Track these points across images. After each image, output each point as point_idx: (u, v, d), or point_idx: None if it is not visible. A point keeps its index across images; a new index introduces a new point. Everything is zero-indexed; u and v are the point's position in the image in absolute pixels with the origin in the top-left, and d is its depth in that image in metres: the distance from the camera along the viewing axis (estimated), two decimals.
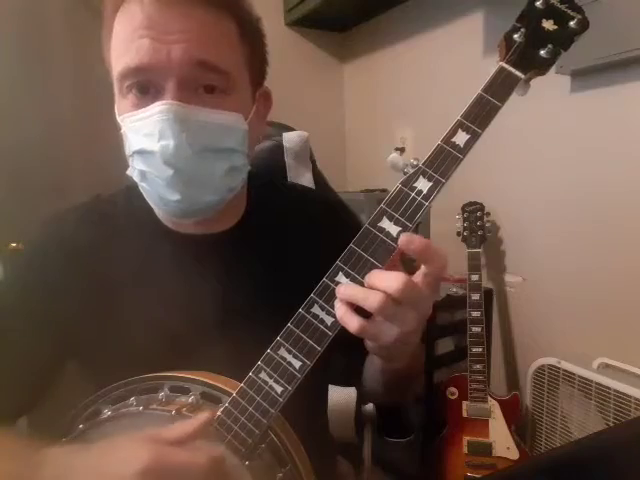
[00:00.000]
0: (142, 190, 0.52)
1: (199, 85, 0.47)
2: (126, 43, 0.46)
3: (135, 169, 0.50)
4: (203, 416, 0.41)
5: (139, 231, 0.56)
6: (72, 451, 0.42)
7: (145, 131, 0.46)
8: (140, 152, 0.48)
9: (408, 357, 0.48)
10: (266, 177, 0.64)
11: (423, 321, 0.42)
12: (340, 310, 0.40)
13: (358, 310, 0.40)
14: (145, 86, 0.47)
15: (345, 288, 0.40)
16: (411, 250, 0.39)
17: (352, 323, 0.39)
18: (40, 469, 0.41)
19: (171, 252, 0.55)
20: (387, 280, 0.38)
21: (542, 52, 0.41)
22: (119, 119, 0.50)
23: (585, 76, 1.16)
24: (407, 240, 0.39)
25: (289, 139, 0.83)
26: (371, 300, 0.38)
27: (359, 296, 0.39)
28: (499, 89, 0.40)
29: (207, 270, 0.54)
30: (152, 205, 0.54)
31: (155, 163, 0.47)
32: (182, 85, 0.46)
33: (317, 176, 0.87)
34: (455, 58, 1.48)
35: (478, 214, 1.33)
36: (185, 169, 0.47)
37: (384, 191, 1.55)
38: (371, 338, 0.42)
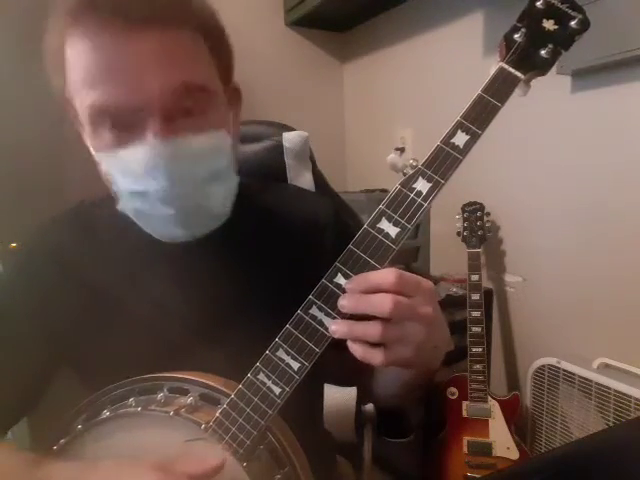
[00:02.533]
0: (138, 222, 0.50)
1: (180, 110, 0.44)
2: (92, 73, 0.42)
3: (127, 206, 0.47)
4: (214, 461, 0.39)
5: (127, 237, 0.55)
6: (76, 470, 0.42)
7: (132, 172, 0.44)
8: (132, 193, 0.45)
9: (441, 359, 0.47)
10: (261, 178, 0.64)
11: (435, 326, 0.41)
12: (359, 350, 0.39)
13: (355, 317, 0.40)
14: (122, 122, 0.43)
15: (343, 327, 0.39)
16: (347, 311, 0.39)
17: (375, 358, 0.39)
18: None
19: (160, 257, 0.54)
20: (376, 306, 0.38)
21: (542, 52, 0.40)
22: (95, 155, 0.46)
23: (585, 76, 1.15)
24: (341, 304, 0.39)
25: (289, 139, 0.83)
26: (371, 332, 0.38)
27: (359, 333, 0.39)
28: (499, 89, 0.40)
29: (198, 273, 0.54)
30: (146, 230, 0.51)
31: (151, 203, 0.45)
32: (163, 116, 0.42)
33: (317, 176, 0.87)
34: (455, 58, 1.48)
35: (478, 214, 1.33)
36: (185, 205, 0.46)
37: (384, 191, 1.55)
38: (393, 363, 0.40)
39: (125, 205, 0.48)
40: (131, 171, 0.44)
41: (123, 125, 0.43)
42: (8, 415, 0.54)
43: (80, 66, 0.42)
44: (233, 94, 0.53)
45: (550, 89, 1.19)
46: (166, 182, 0.43)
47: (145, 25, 0.41)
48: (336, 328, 0.39)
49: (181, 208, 0.46)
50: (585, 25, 0.40)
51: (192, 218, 0.47)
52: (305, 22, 1.77)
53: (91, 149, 0.47)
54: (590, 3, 1.02)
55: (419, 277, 0.40)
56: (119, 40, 0.41)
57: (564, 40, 0.40)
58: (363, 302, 0.39)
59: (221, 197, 0.49)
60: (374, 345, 0.39)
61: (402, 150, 1.64)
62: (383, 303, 0.38)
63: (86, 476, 0.40)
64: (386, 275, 0.38)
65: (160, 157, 0.42)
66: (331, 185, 0.90)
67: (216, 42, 0.47)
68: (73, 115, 0.48)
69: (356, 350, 0.39)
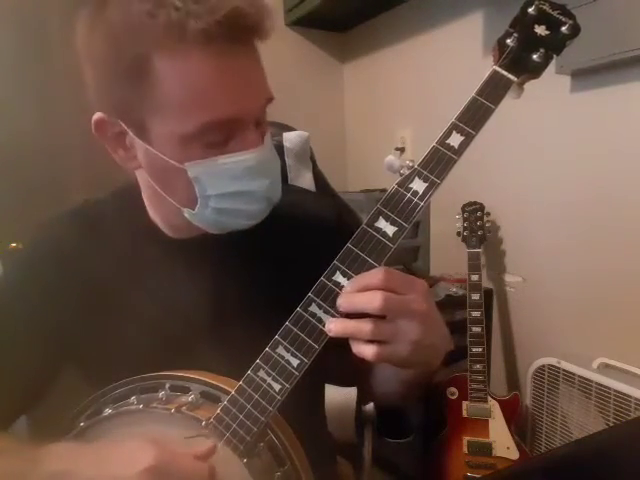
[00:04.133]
0: (209, 222, 0.51)
1: (260, 120, 0.49)
2: (200, 95, 0.43)
3: (210, 208, 0.49)
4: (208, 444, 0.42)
5: (132, 235, 0.56)
6: (74, 448, 0.43)
7: (234, 175, 0.47)
8: (226, 194, 0.48)
9: (441, 359, 0.48)
10: None
11: (430, 324, 0.42)
12: (353, 345, 0.41)
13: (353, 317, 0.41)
14: (225, 134, 0.46)
15: (338, 325, 0.41)
16: (343, 310, 0.41)
17: (368, 352, 0.40)
18: (41, 465, 0.41)
19: (165, 255, 0.55)
20: (366, 302, 0.40)
21: (534, 56, 0.41)
22: (182, 166, 0.46)
23: (585, 76, 1.16)
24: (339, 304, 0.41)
25: (289, 139, 0.84)
26: (365, 330, 0.40)
27: (354, 331, 0.40)
28: (492, 92, 0.41)
29: (202, 271, 0.55)
30: (206, 228, 0.52)
31: (247, 201, 0.49)
32: (255, 125, 0.48)
33: (317, 176, 0.87)
34: (455, 58, 1.48)
35: (478, 214, 1.33)
36: (274, 197, 0.51)
37: (384, 191, 1.54)
38: (389, 360, 0.42)
39: (206, 207, 0.49)
40: (232, 173, 0.47)
41: (223, 136, 0.46)
42: (9, 411, 0.55)
43: (189, 82, 0.43)
44: None
45: (550, 89, 1.19)
46: (268, 180, 0.49)
47: (247, 43, 0.45)
48: (331, 327, 0.41)
49: (270, 200, 0.51)
50: (576, 30, 0.41)
51: (267, 211, 0.52)
52: (305, 22, 1.78)
53: (167, 159, 0.47)
54: (589, 3, 1.02)
55: (412, 276, 0.42)
56: (232, 58, 0.44)
57: (555, 45, 0.42)
58: (355, 300, 0.40)
59: (281, 189, 0.53)
60: (370, 342, 0.40)
61: (402, 150, 1.65)
62: (373, 299, 0.39)
63: (84, 451, 0.41)
64: (375, 273, 0.40)
65: (262, 159, 0.48)
66: (331, 185, 0.91)
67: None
68: (102, 127, 0.48)
69: (352, 344, 0.41)
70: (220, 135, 0.46)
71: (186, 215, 0.50)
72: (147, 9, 0.41)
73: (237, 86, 0.44)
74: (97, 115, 0.48)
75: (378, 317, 0.40)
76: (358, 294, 0.40)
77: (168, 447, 0.40)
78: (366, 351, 0.40)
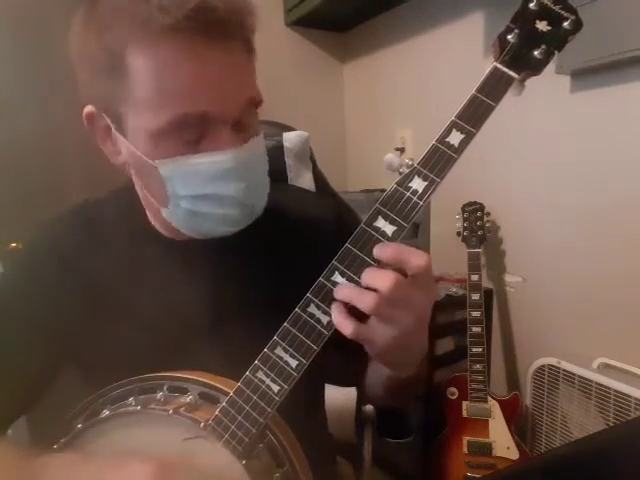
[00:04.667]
0: (184, 223, 0.50)
1: (242, 121, 0.47)
2: (171, 89, 0.42)
3: (182, 209, 0.48)
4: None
5: (131, 235, 0.56)
6: (73, 462, 0.42)
7: (207, 176, 0.45)
8: (199, 196, 0.46)
9: (414, 366, 0.48)
10: None
11: (421, 324, 0.42)
12: (335, 315, 0.40)
13: (356, 312, 0.40)
14: (197, 132, 0.45)
15: (342, 289, 0.41)
16: (385, 258, 0.40)
17: (346, 327, 0.40)
18: (39, 476, 0.41)
19: (164, 255, 0.55)
20: (379, 279, 0.39)
21: (536, 53, 0.41)
22: (154, 163, 0.46)
23: (585, 76, 1.15)
24: (379, 251, 0.40)
25: (289, 139, 0.83)
26: (365, 301, 0.39)
27: (354, 296, 0.40)
28: (493, 89, 0.40)
29: (201, 272, 0.54)
30: (182, 230, 0.51)
31: (221, 204, 0.47)
32: (232, 126, 0.45)
33: (317, 176, 0.87)
34: (455, 58, 1.48)
35: (478, 214, 1.33)
36: (253, 204, 0.49)
37: (384, 191, 1.54)
38: (366, 341, 0.42)
39: (177, 208, 0.48)
40: (205, 175, 0.45)
41: (196, 134, 0.45)
42: (9, 412, 0.55)
43: (160, 75, 0.42)
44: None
45: (549, 89, 1.19)
46: (244, 184, 0.46)
47: (221, 38, 0.43)
48: (338, 289, 0.41)
49: (248, 207, 0.48)
50: (578, 26, 0.40)
51: (251, 216, 0.50)
52: (305, 22, 1.77)
53: (140, 155, 0.46)
54: (589, 3, 1.02)
55: (414, 291, 0.40)
56: (201, 51, 0.42)
57: (557, 41, 0.41)
58: (353, 292, 0.40)
59: (267, 197, 0.51)
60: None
61: (402, 150, 1.65)
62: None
63: (83, 466, 0.41)
64: (387, 279, 0.39)
65: (239, 162, 0.45)
66: (331, 185, 0.90)
67: (252, 47, 0.49)
68: (92, 120, 0.49)
69: (333, 312, 0.41)
70: (192, 132, 0.44)
71: (164, 215, 0.50)
72: (123, 3, 0.42)
73: (208, 81, 0.43)
74: (87, 108, 0.48)
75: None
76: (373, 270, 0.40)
77: (169, 467, 0.39)
78: (346, 325, 0.40)
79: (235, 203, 0.47)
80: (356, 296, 0.39)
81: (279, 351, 0.42)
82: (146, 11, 0.40)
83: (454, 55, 1.48)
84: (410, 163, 0.41)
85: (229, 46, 0.44)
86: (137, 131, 0.45)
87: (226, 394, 0.44)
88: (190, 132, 0.44)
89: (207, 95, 0.43)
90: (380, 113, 1.83)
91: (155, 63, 0.42)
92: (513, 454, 1.21)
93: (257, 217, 0.51)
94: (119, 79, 0.43)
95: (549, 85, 1.17)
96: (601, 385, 1.09)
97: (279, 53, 1.78)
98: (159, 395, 0.45)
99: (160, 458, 0.40)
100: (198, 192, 0.46)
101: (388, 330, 0.40)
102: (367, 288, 0.40)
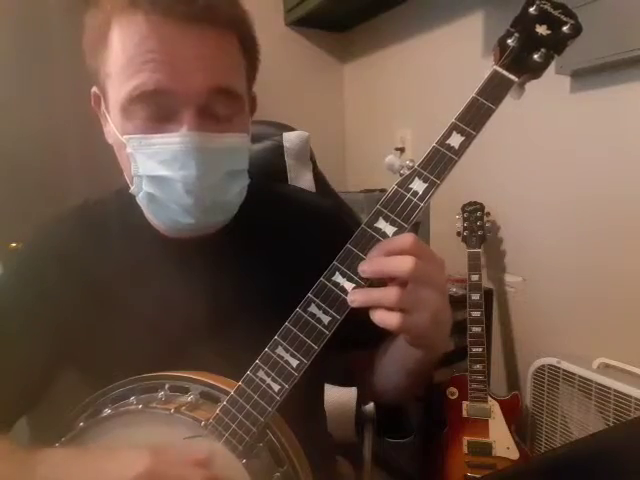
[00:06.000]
0: (146, 209, 0.51)
1: (210, 112, 0.46)
2: (135, 62, 0.43)
3: (143, 190, 0.48)
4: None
5: (131, 235, 0.56)
6: (70, 454, 0.43)
7: (162, 158, 0.45)
8: (154, 178, 0.47)
9: (447, 342, 0.48)
10: (262, 177, 0.65)
11: (446, 298, 0.42)
12: (377, 313, 0.40)
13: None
14: (158, 110, 0.45)
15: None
16: (369, 276, 0.40)
17: (392, 320, 0.39)
18: (36, 469, 0.41)
19: (164, 255, 0.55)
20: (401, 239, 0.39)
21: (535, 56, 0.41)
22: (122, 138, 0.47)
23: (585, 76, 1.16)
24: (361, 269, 0.40)
25: (289, 139, 0.84)
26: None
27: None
28: (493, 92, 0.41)
29: (201, 271, 0.55)
30: (156, 222, 0.53)
31: (172, 190, 0.46)
32: (199, 112, 0.45)
33: (317, 176, 0.87)
34: (455, 58, 1.48)
35: (478, 214, 1.34)
36: (205, 197, 0.47)
37: (384, 191, 1.54)
38: (409, 331, 0.41)
39: (139, 189, 0.48)
40: (161, 155, 0.45)
41: (159, 113, 0.45)
42: (10, 412, 0.55)
43: (128, 49, 0.44)
44: (252, 101, 0.56)
45: (549, 89, 1.19)
46: (195, 171, 0.45)
47: (198, 22, 0.43)
48: (354, 297, 0.40)
49: (200, 199, 0.47)
50: (577, 30, 0.41)
51: (207, 211, 0.49)
52: (305, 22, 1.78)
53: (115, 133, 0.48)
54: (589, 3, 1.02)
55: (431, 249, 0.41)
56: (172, 30, 0.43)
57: (557, 45, 0.41)
58: (385, 263, 0.40)
59: (236, 195, 0.51)
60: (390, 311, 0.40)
61: (402, 150, 1.65)
62: (404, 262, 0.38)
63: (78, 457, 0.41)
64: (407, 237, 0.40)
65: (193, 147, 0.45)
66: (331, 185, 0.91)
67: (249, 46, 0.50)
68: (97, 100, 0.51)
69: (374, 314, 0.40)
70: (155, 110, 0.45)
71: (137, 200, 0.50)
72: None
73: (169, 58, 0.43)
74: (93, 88, 0.50)
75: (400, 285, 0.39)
76: (387, 258, 0.40)
77: (165, 455, 0.40)
78: (391, 319, 0.39)
79: (185, 191, 0.46)
80: (383, 297, 0.40)
81: (280, 351, 0.42)
82: None
83: (454, 55, 1.49)
84: (411, 165, 0.41)
85: (208, 34, 0.44)
86: (114, 106, 0.47)
87: (227, 393, 0.44)
88: (152, 108, 0.45)
89: (166, 72, 0.43)
90: (380, 113, 1.83)
91: (126, 37, 0.44)
92: (513, 454, 1.21)
93: (226, 223, 0.53)
94: (104, 53, 0.46)
95: (549, 85, 1.17)
96: (601, 385, 1.09)
97: (279, 53, 1.78)
98: (160, 394, 0.46)
99: (155, 447, 0.40)
100: (153, 173, 0.46)
101: (424, 314, 0.40)
102: (382, 282, 0.40)
